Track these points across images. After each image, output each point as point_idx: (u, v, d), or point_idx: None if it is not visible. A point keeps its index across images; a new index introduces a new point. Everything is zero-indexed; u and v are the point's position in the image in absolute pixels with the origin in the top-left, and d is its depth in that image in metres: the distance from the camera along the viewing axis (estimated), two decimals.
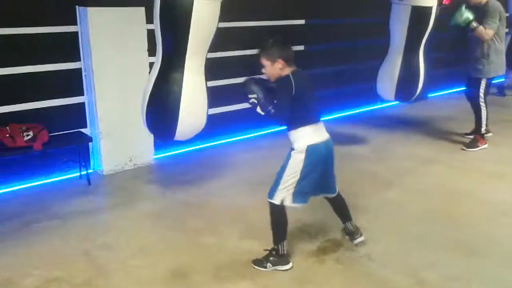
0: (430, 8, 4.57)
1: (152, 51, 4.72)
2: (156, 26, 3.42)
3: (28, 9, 4.19)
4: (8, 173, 4.28)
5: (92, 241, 3.42)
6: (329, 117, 6.81)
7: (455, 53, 7.58)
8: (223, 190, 4.29)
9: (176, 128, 3.49)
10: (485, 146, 5.32)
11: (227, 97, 5.16)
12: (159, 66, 3.49)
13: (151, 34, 4.67)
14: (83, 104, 4.66)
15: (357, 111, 7.16)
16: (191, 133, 3.66)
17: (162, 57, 3.48)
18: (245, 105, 3.05)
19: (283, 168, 3.00)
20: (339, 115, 6.97)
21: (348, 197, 4.13)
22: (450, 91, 8.25)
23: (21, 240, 3.42)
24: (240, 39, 5.51)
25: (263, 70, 2.98)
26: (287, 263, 3.08)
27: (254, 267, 3.08)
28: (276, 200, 2.98)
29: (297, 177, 2.94)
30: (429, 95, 7.97)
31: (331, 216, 3.76)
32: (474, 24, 4.85)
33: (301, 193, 2.98)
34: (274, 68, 2.91)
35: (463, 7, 4.84)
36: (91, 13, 4.29)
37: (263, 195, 4.13)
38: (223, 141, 5.64)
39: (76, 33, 4.46)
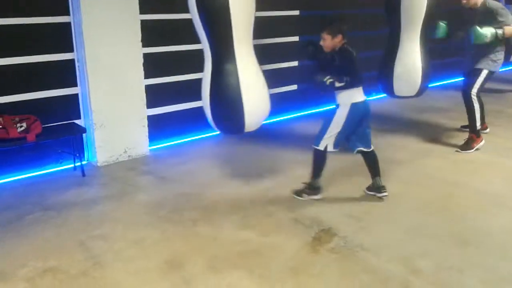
0: None
1: (145, 42, 4.71)
2: (195, 20, 3.28)
3: None
4: (2, 164, 4.27)
5: (87, 232, 3.42)
6: (324, 108, 6.82)
7: (451, 44, 7.59)
8: (219, 181, 4.29)
9: (244, 121, 3.43)
10: (482, 143, 5.02)
11: None
12: (210, 60, 3.38)
13: (144, 24, 4.68)
14: (76, 95, 4.63)
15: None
16: (260, 121, 3.61)
17: (210, 49, 3.36)
18: None
19: (328, 121, 3.73)
20: (334, 106, 6.95)
21: (342, 186, 4.18)
22: (446, 81, 8.26)
23: (15, 232, 3.42)
24: None
25: (322, 43, 3.66)
26: (319, 193, 3.90)
27: (294, 197, 3.88)
28: (321, 147, 3.75)
29: (339, 128, 3.69)
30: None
31: (325, 207, 3.79)
32: (500, 31, 4.55)
33: (340, 141, 3.76)
34: (333, 42, 3.62)
35: (476, 29, 4.49)
36: (84, 3, 4.26)
37: (258, 187, 4.18)
38: (217, 133, 5.63)
39: (69, 24, 4.43)
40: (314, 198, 3.88)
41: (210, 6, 3.17)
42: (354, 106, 3.69)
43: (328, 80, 3.48)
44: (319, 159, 3.82)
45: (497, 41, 4.66)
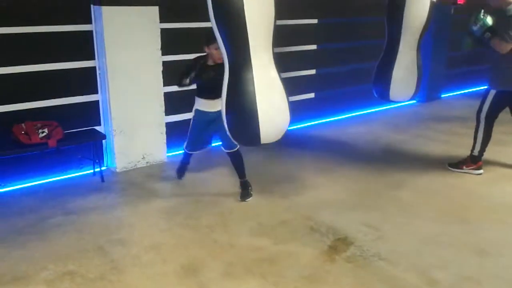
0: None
1: (164, 50, 4.78)
2: (213, 27, 3.17)
3: (44, 8, 4.27)
4: (24, 169, 4.36)
5: (105, 236, 3.47)
6: (342, 117, 6.82)
7: (469, 53, 7.53)
8: (235, 188, 4.31)
9: (259, 132, 3.23)
10: (477, 172, 4.57)
11: None
12: (228, 68, 3.25)
13: (164, 33, 4.75)
14: (97, 102, 4.72)
15: (370, 110, 7.14)
16: (278, 132, 3.40)
17: (227, 57, 3.23)
18: None
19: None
20: (352, 114, 6.96)
21: (359, 195, 4.16)
22: (464, 91, 8.19)
23: (36, 235, 3.49)
24: None
25: (212, 57, 3.82)
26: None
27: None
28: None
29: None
30: (442, 95, 7.93)
31: (342, 215, 3.78)
32: (487, 35, 4.23)
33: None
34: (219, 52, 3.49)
35: (481, 13, 4.28)
36: (106, 12, 4.34)
37: (274, 194, 4.19)
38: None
39: (90, 32, 4.52)
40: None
41: (226, 11, 3.13)
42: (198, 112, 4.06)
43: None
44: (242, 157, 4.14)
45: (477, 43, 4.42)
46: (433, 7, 4.48)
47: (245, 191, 4.12)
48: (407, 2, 4.48)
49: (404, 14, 4.53)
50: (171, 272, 3.04)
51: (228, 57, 3.24)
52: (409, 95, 4.79)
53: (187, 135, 4.28)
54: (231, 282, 2.94)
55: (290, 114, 3.41)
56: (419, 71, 4.69)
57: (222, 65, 3.29)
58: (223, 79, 3.33)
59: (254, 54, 3.18)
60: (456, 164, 4.72)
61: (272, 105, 3.28)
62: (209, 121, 4.04)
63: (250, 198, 4.09)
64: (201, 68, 3.87)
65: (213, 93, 3.79)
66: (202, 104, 4.04)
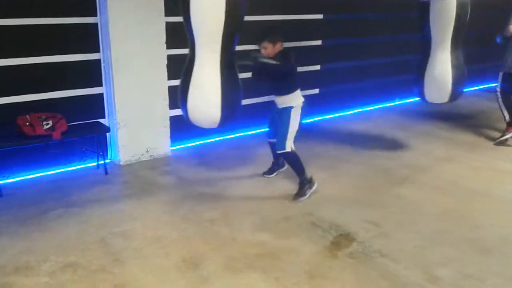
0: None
1: (169, 43, 4.78)
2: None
3: (49, 0, 4.26)
4: (28, 161, 4.38)
5: (108, 229, 3.48)
6: (346, 112, 6.80)
7: (482, 49, 7.47)
8: (238, 183, 4.31)
9: (187, 112, 3.42)
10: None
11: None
12: (188, 55, 3.40)
13: (169, 26, 4.74)
14: (101, 94, 4.72)
15: (375, 107, 7.12)
16: (201, 121, 3.50)
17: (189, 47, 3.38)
18: (263, 99, 3.15)
19: (285, 124, 3.91)
20: (356, 111, 6.93)
21: (362, 191, 4.15)
22: (471, 88, 8.13)
23: (39, 226, 3.50)
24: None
25: (264, 51, 3.81)
26: (314, 183, 4.09)
27: (298, 201, 3.95)
28: (288, 148, 3.92)
29: (297, 127, 3.95)
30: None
31: (344, 212, 3.77)
32: None
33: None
34: (274, 49, 3.82)
35: None
36: (111, 5, 4.34)
37: (277, 189, 4.19)
38: (239, 135, 5.68)
39: (96, 25, 4.52)
40: (314, 189, 4.07)
41: (181, 8, 3.22)
42: (301, 106, 3.97)
43: (260, 59, 3.72)
44: (295, 158, 4.01)
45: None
46: (465, 5, 4.43)
47: (299, 191, 4.05)
48: (431, 2, 4.47)
49: (430, 14, 4.53)
50: (173, 265, 3.05)
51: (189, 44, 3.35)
52: (444, 96, 4.72)
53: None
54: (233, 276, 2.94)
55: (218, 115, 3.40)
56: (457, 71, 4.62)
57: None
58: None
59: (199, 49, 3.26)
60: (500, 139, 5.47)
61: (201, 95, 3.36)
62: (276, 114, 4.08)
63: (303, 198, 4.00)
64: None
65: (273, 90, 4.02)
66: (300, 96, 4.06)
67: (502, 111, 5.55)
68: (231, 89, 3.40)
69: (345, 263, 3.09)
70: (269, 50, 3.81)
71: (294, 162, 4.02)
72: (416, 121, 6.36)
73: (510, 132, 5.45)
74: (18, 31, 4.14)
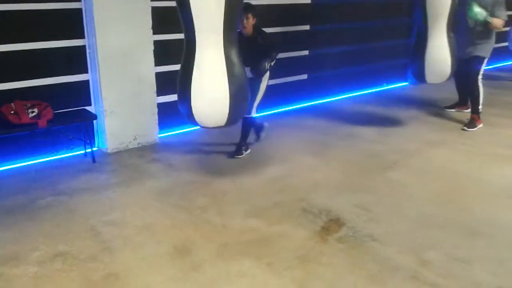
0: None
1: (156, 29, 4.70)
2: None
3: None
4: (14, 150, 4.31)
5: (97, 217, 3.45)
6: (334, 98, 6.79)
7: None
8: (228, 170, 4.29)
9: (192, 110, 3.41)
10: (481, 125, 5.46)
11: None
12: (184, 45, 3.41)
13: (155, 11, 4.66)
14: (87, 81, 4.64)
15: (362, 92, 7.13)
16: (208, 118, 3.45)
17: (185, 36, 3.39)
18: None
19: (257, 89, 4.28)
20: (344, 96, 6.93)
21: (352, 176, 4.17)
22: None
23: (27, 216, 3.45)
24: None
25: (246, 23, 4.13)
26: (249, 149, 4.61)
27: (235, 158, 4.50)
28: (253, 114, 4.41)
29: (263, 94, 4.39)
30: None
31: (334, 197, 3.78)
32: (489, 19, 5.03)
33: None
34: (253, 21, 4.17)
35: (473, 6, 4.97)
36: None
37: (267, 176, 4.18)
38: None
39: (80, 10, 4.42)
40: (247, 153, 4.57)
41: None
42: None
43: (268, 64, 4.09)
44: (250, 125, 4.54)
45: (483, 26, 5.12)
46: None
47: (238, 151, 4.53)
48: None
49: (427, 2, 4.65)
50: (164, 252, 3.03)
51: (185, 33, 3.39)
52: (444, 76, 4.91)
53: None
54: (225, 263, 2.93)
55: (235, 102, 3.36)
56: (453, 51, 4.81)
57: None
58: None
59: (198, 35, 3.26)
60: (471, 123, 5.44)
61: (207, 86, 3.34)
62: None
63: (240, 156, 4.49)
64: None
65: (247, 62, 4.02)
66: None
67: (478, 101, 5.49)
68: (239, 86, 3.37)
69: (336, 248, 3.10)
70: (250, 20, 4.16)
71: (248, 126, 4.53)
72: (405, 105, 6.38)
73: (480, 124, 5.45)
74: (0, 17, 4.03)
